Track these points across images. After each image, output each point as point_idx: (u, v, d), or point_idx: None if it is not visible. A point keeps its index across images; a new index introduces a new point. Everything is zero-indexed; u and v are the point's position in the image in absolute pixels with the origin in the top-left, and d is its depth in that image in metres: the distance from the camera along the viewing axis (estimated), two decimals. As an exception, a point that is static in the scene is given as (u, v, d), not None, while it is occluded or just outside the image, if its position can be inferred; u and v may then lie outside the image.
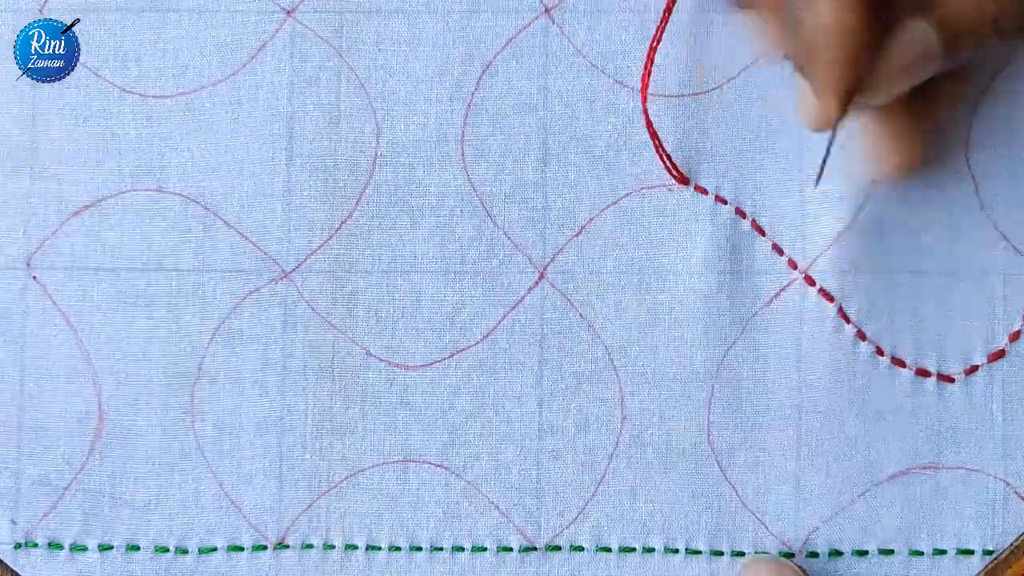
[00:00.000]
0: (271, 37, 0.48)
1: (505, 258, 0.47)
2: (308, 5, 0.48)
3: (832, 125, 0.41)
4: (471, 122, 0.48)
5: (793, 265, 0.48)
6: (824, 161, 0.43)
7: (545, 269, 0.47)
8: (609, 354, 0.47)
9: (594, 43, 0.48)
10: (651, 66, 0.47)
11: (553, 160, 0.47)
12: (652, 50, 0.47)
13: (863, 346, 0.47)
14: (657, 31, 0.47)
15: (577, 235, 0.47)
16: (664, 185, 0.47)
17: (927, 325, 0.47)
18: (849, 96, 0.41)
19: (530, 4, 0.48)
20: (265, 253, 0.47)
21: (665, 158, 0.47)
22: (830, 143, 0.42)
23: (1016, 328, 0.47)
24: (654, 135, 0.47)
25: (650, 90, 0.47)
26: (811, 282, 0.47)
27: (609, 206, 0.47)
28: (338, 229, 0.48)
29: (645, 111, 0.47)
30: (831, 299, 0.47)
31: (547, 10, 0.48)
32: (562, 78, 0.48)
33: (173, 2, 0.48)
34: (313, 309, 0.47)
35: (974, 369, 0.47)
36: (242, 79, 0.48)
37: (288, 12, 0.48)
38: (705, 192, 0.47)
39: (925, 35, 0.41)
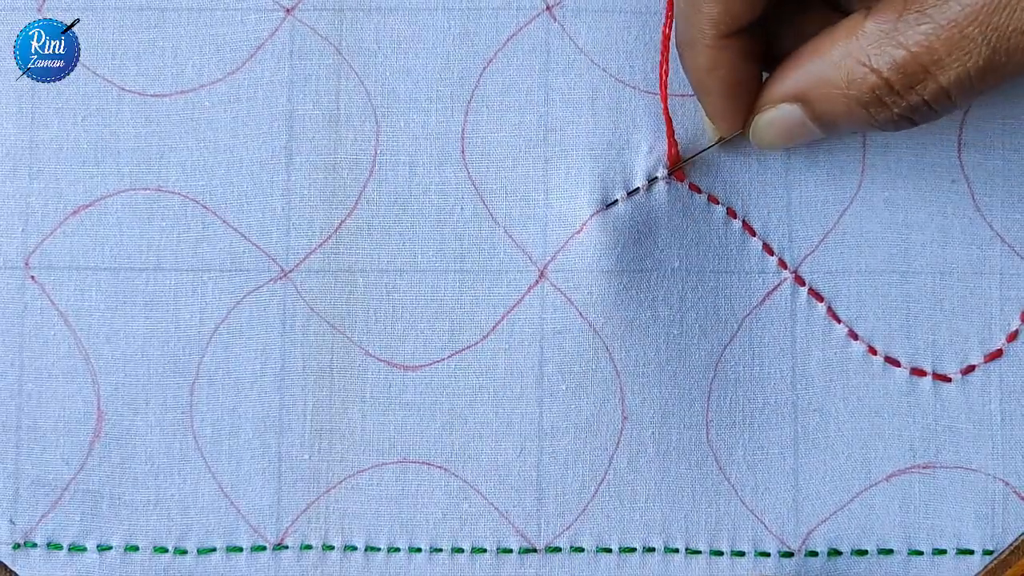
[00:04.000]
0: (270, 35, 0.48)
1: (505, 257, 0.47)
2: (307, 3, 0.48)
3: (717, 141, 0.47)
4: (471, 120, 0.47)
5: (783, 265, 0.48)
6: (695, 155, 0.47)
7: (545, 268, 0.47)
8: (610, 354, 0.47)
9: (595, 41, 0.48)
10: (667, 54, 0.47)
11: (554, 159, 0.47)
12: (666, 37, 0.47)
13: (855, 345, 0.47)
14: (666, 23, 0.47)
15: (578, 233, 0.47)
16: (663, 179, 0.47)
17: (921, 325, 0.48)
18: (731, 123, 0.45)
19: (531, 2, 0.48)
20: (264, 252, 0.47)
21: (672, 146, 0.47)
22: (710, 146, 0.47)
23: (1013, 328, 0.48)
24: (669, 121, 0.47)
25: (644, 89, 0.48)
26: (801, 282, 0.48)
27: (609, 205, 0.47)
28: (337, 228, 0.47)
29: (664, 97, 0.47)
30: (820, 299, 0.48)
31: (548, 8, 0.48)
32: (563, 76, 0.48)
33: (172, 1, 0.48)
34: (312, 309, 0.47)
35: (971, 369, 0.48)
36: (241, 77, 0.48)
37: (288, 10, 0.48)
38: (699, 191, 0.48)
39: (796, 117, 0.44)
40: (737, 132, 0.46)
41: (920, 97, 0.41)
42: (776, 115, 0.44)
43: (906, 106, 0.41)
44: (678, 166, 0.47)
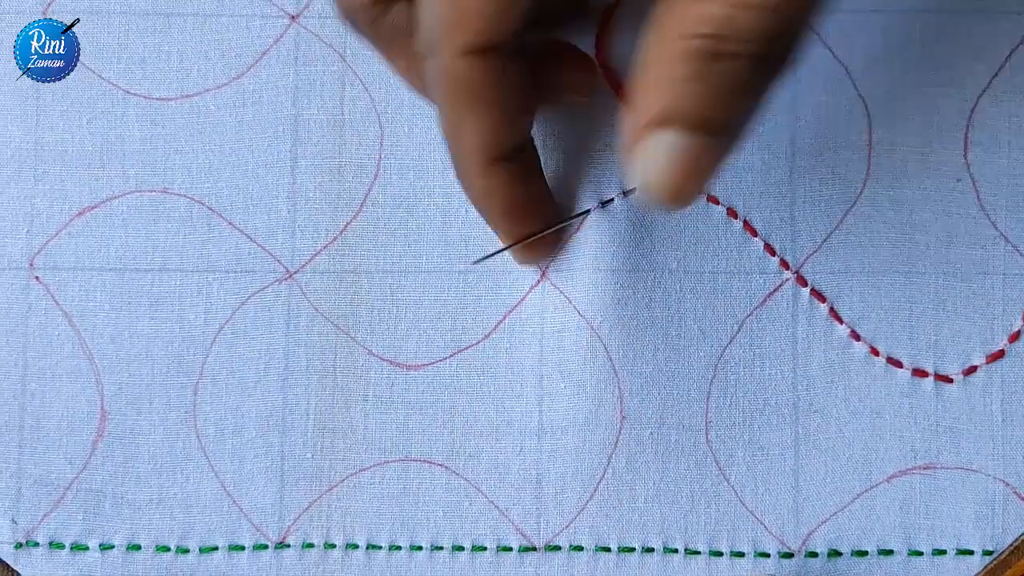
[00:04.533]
0: (275, 41, 0.48)
1: (507, 259, 0.48)
2: (312, 10, 0.48)
3: (512, 244, 0.46)
4: (473, 123, 0.48)
5: (785, 266, 0.48)
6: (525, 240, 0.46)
7: (546, 269, 0.48)
8: (609, 354, 0.47)
9: (593, 43, 0.48)
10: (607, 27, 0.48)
11: (552, 161, 0.48)
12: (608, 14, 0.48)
13: (857, 346, 0.48)
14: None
15: (576, 232, 0.48)
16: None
17: (923, 325, 0.48)
18: (522, 231, 0.45)
19: (531, 6, 0.48)
20: (269, 254, 0.48)
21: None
22: (511, 245, 0.46)
23: (1015, 329, 0.48)
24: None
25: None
26: (803, 282, 0.48)
27: (607, 204, 0.47)
28: (343, 231, 0.48)
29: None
30: (823, 299, 0.48)
31: (548, 13, 0.48)
32: (561, 78, 0.48)
33: (179, 7, 0.48)
34: (316, 309, 0.48)
35: (973, 370, 0.48)
36: (247, 82, 0.48)
37: (293, 17, 0.48)
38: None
39: (679, 142, 0.36)
40: (526, 239, 0.45)
41: (753, 25, 0.35)
42: (659, 156, 0.36)
43: (746, 45, 0.35)
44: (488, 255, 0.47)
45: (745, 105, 0.36)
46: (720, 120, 0.36)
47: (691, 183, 0.37)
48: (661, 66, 0.36)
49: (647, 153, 0.36)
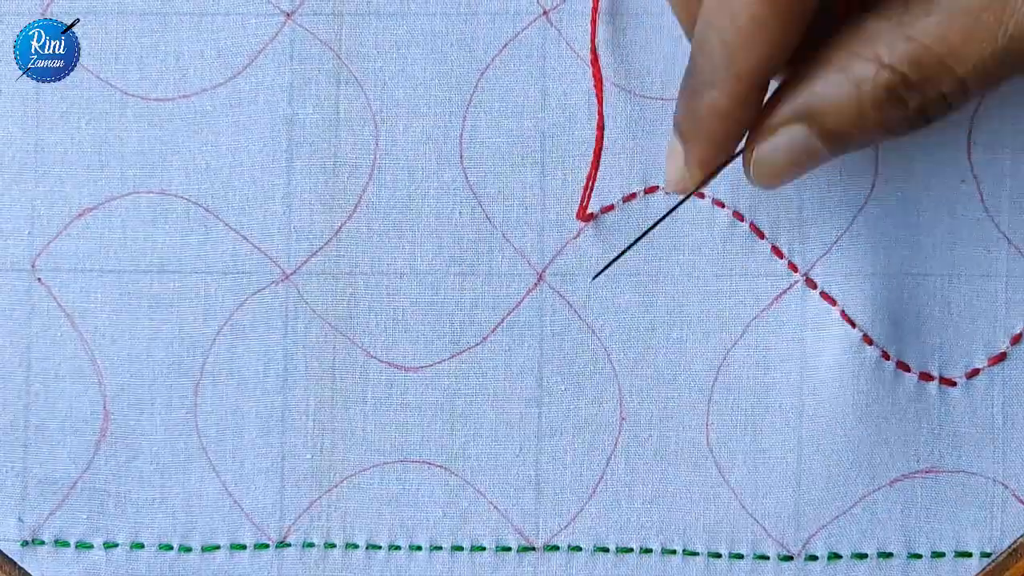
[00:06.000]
0: (271, 40, 0.48)
1: (504, 260, 0.48)
2: (307, 8, 0.48)
3: (687, 191, 0.42)
4: (469, 124, 0.48)
5: (793, 268, 0.47)
6: (663, 217, 0.44)
7: (544, 271, 0.47)
8: (608, 355, 0.47)
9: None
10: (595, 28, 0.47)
11: (551, 162, 0.47)
12: (595, 11, 0.47)
13: (869, 350, 0.47)
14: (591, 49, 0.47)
15: (575, 237, 0.47)
16: (661, 188, 0.47)
17: (930, 328, 0.47)
18: (711, 169, 0.41)
19: (528, 7, 0.47)
20: (266, 255, 0.48)
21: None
22: (678, 204, 0.43)
23: (1018, 331, 0.47)
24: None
25: (649, 94, 0.47)
26: (812, 285, 0.47)
27: (607, 208, 0.47)
28: (338, 231, 0.48)
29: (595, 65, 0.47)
30: (833, 302, 0.47)
31: (545, 12, 0.47)
32: (560, 81, 0.47)
33: (173, 5, 0.48)
34: (314, 311, 0.48)
35: (975, 372, 0.47)
36: (242, 82, 0.48)
37: (287, 15, 0.48)
38: (702, 195, 0.47)
39: (801, 140, 0.40)
40: (706, 182, 0.42)
41: (937, 91, 0.38)
42: (780, 141, 0.40)
43: (921, 102, 0.38)
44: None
45: (872, 141, 0.40)
46: (847, 143, 0.40)
47: (788, 174, 0.41)
48: (833, 72, 0.39)
49: (775, 140, 0.40)
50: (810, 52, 0.40)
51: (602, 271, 0.46)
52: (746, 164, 0.41)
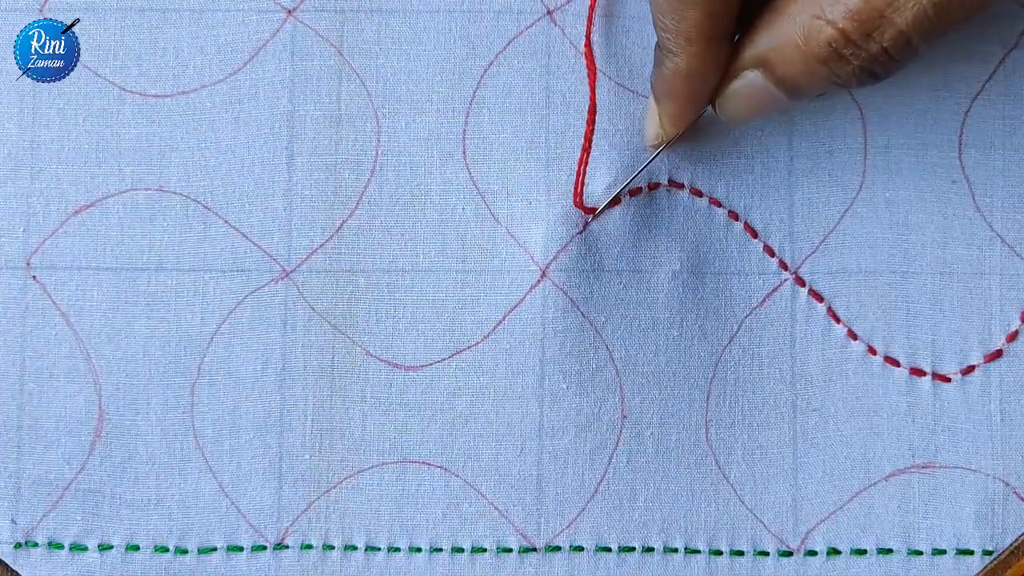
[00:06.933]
0: (271, 36, 0.48)
1: (507, 257, 0.47)
2: (309, 4, 0.48)
3: (664, 143, 0.46)
4: (472, 121, 0.48)
5: (784, 266, 0.48)
6: (643, 168, 0.47)
7: (547, 267, 0.47)
8: (610, 352, 0.47)
9: (595, 45, 0.48)
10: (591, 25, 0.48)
11: (555, 160, 0.48)
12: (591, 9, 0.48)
13: (854, 345, 0.48)
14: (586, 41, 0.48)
15: (580, 233, 0.47)
16: (663, 186, 0.48)
17: (921, 325, 0.48)
18: (685, 124, 0.46)
19: (532, 6, 0.48)
20: (266, 252, 0.47)
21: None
22: (655, 154, 0.47)
23: (1013, 328, 0.48)
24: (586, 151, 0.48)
25: (643, 93, 0.48)
26: (801, 283, 0.48)
27: (610, 205, 0.47)
28: (339, 228, 0.48)
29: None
30: (820, 299, 0.48)
31: (549, 12, 0.48)
32: (564, 79, 0.48)
33: (173, 1, 0.48)
34: (313, 309, 0.47)
35: (971, 369, 0.48)
36: (243, 78, 0.48)
37: (289, 11, 0.48)
38: (700, 194, 0.48)
39: (759, 84, 0.43)
40: (679, 134, 0.46)
41: (879, 45, 0.40)
42: (740, 84, 0.44)
43: (865, 56, 0.40)
44: (621, 189, 0.47)
45: (826, 91, 0.43)
46: (800, 90, 0.43)
47: (751, 115, 0.45)
48: (785, 23, 0.41)
49: (736, 84, 0.44)
50: (771, 4, 0.42)
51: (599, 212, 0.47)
52: (717, 105, 0.45)
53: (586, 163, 0.47)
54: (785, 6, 0.42)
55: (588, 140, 0.47)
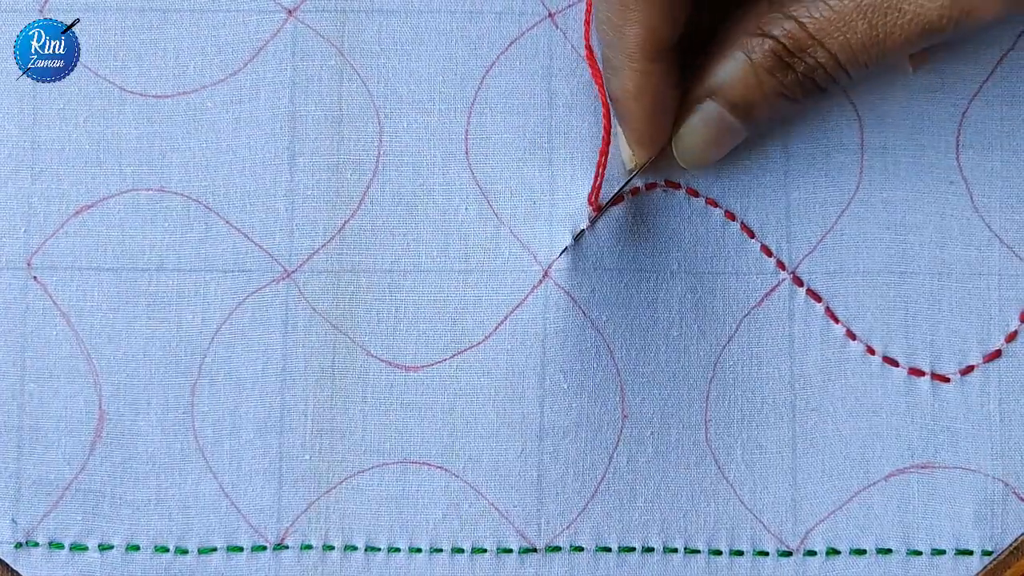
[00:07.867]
0: (272, 36, 0.48)
1: (510, 257, 0.47)
2: (309, 4, 0.48)
3: (639, 167, 0.46)
4: (475, 121, 0.48)
5: (781, 266, 0.48)
6: (620, 190, 0.47)
7: (550, 268, 0.47)
8: (611, 353, 0.47)
9: (596, 48, 0.48)
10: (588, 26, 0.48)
11: (557, 160, 0.48)
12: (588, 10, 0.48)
13: (853, 345, 0.48)
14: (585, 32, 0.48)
15: (583, 232, 0.47)
16: (660, 186, 0.48)
17: (919, 325, 0.48)
18: (653, 147, 0.46)
19: (533, 7, 0.48)
20: (267, 253, 0.47)
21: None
22: (631, 177, 0.47)
23: (1012, 329, 0.48)
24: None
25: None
26: (799, 283, 0.48)
27: (609, 204, 0.47)
28: (341, 229, 0.48)
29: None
30: (818, 299, 0.48)
31: (550, 15, 0.48)
32: (566, 81, 0.48)
33: (174, 2, 0.48)
34: (315, 309, 0.47)
35: (970, 369, 0.48)
36: (243, 78, 0.48)
37: (289, 11, 0.48)
38: (697, 194, 0.48)
39: (714, 114, 0.45)
40: (652, 158, 0.46)
41: (814, 59, 0.42)
42: (695, 118, 0.45)
43: (805, 67, 0.43)
44: (604, 208, 0.47)
45: (778, 111, 0.45)
46: (753, 113, 0.44)
47: (708, 150, 0.46)
48: (729, 47, 0.44)
49: (692, 119, 0.45)
50: (717, 38, 0.44)
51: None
52: (673, 147, 0.46)
53: (604, 165, 0.47)
54: (729, 38, 0.44)
55: (606, 143, 0.47)
